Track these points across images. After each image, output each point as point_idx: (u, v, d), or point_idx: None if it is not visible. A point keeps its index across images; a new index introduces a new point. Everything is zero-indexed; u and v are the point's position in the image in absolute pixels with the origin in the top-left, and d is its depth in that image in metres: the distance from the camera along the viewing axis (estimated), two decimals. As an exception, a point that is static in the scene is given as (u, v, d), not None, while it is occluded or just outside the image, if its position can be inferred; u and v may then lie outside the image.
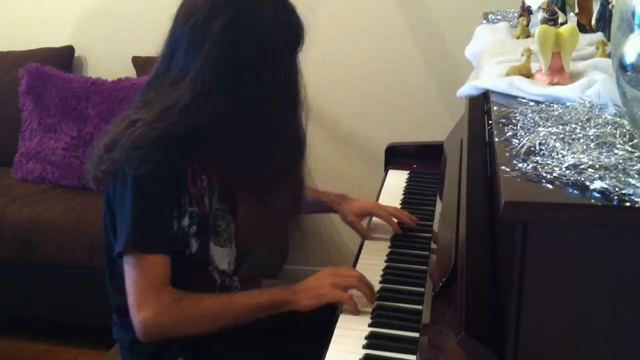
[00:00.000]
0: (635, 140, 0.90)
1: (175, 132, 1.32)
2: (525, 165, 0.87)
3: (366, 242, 1.72)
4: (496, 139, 1.00)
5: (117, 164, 1.32)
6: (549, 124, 1.00)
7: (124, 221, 1.32)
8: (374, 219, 1.81)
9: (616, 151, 0.87)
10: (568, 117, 1.01)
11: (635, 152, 0.86)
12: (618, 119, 0.98)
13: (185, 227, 1.41)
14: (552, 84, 1.21)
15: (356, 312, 1.37)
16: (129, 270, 1.33)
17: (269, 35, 1.37)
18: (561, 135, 0.94)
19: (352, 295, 1.40)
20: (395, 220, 1.74)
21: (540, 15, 1.38)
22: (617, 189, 0.78)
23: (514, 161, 0.89)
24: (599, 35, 1.48)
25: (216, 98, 1.33)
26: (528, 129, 1.00)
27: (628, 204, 0.76)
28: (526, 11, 1.76)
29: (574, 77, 1.23)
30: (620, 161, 0.84)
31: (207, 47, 1.33)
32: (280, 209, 1.51)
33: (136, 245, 1.32)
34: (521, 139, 0.95)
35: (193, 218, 1.42)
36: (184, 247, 1.42)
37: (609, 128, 0.95)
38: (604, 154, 0.86)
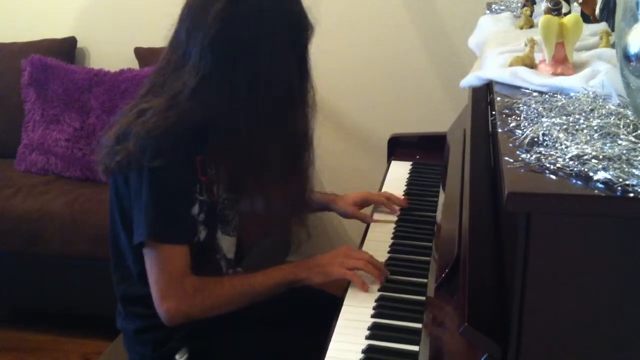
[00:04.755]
0: (639, 131, 0.89)
1: (187, 121, 1.32)
2: (528, 156, 0.87)
3: (368, 233, 1.73)
4: (499, 130, 1.00)
5: (131, 155, 1.32)
6: (553, 114, 0.99)
7: (141, 212, 1.33)
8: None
9: (620, 142, 0.87)
10: (572, 107, 1.01)
11: (639, 143, 0.86)
12: (622, 110, 0.97)
13: (195, 215, 1.42)
14: (555, 74, 1.20)
15: (364, 287, 1.40)
16: (151, 262, 1.35)
17: (267, 23, 1.35)
18: (565, 126, 0.94)
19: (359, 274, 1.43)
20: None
21: (543, 5, 1.38)
22: (620, 180, 0.77)
23: (518, 152, 0.89)
24: (602, 26, 1.48)
25: (219, 82, 1.33)
26: (531, 120, 0.99)
27: (632, 194, 0.75)
28: (530, 1, 1.75)
29: (578, 67, 1.22)
30: (624, 152, 0.84)
31: (205, 29, 1.32)
32: (283, 203, 1.50)
33: (156, 236, 1.33)
34: (524, 130, 0.95)
35: (202, 206, 1.42)
36: (193, 235, 1.43)
37: (612, 118, 0.94)
38: (608, 145, 0.86)
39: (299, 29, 1.41)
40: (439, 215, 1.67)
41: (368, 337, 1.28)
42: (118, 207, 1.42)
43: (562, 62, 1.22)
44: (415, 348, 1.24)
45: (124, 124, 1.36)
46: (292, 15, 1.39)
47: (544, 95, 1.11)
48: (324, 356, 1.25)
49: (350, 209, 1.80)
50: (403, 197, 1.86)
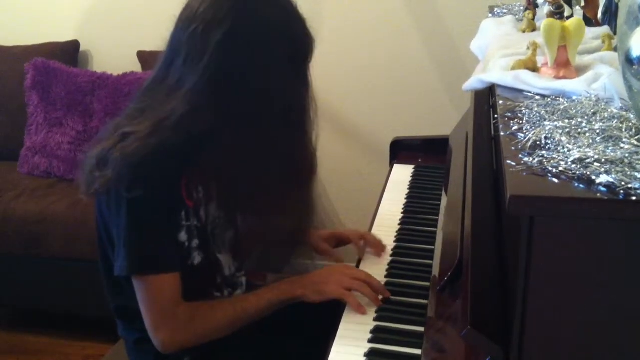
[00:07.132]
0: (642, 134, 0.90)
1: (169, 147, 1.26)
2: (531, 159, 0.87)
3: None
4: (502, 133, 1.00)
5: (110, 183, 1.27)
6: (555, 117, 0.99)
7: (121, 245, 1.29)
8: (382, 213, 1.81)
9: (622, 145, 0.87)
10: (574, 111, 1.01)
11: (642, 146, 0.86)
12: (624, 113, 0.97)
13: (185, 241, 1.37)
14: (558, 77, 1.20)
15: (358, 309, 1.37)
16: (140, 293, 1.33)
17: (271, 52, 1.29)
18: (567, 129, 0.94)
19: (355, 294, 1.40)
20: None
21: (546, 8, 1.38)
22: (623, 183, 0.77)
23: (520, 155, 0.89)
24: (605, 29, 1.48)
25: (212, 112, 1.27)
26: (534, 123, 0.99)
27: (634, 197, 0.75)
28: (532, 4, 1.76)
29: (580, 70, 1.22)
30: (627, 155, 0.84)
31: (206, 59, 1.26)
32: (281, 230, 1.46)
33: (138, 269, 1.31)
34: (527, 133, 0.95)
35: (192, 232, 1.38)
36: (186, 260, 1.38)
37: (615, 122, 0.94)
38: (610, 148, 0.86)
39: (303, 52, 1.35)
40: (441, 219, 1.67)
41: (370, 341, 1.28)
42: (104, 228, 1.37)
43: (564, 66, 1.22)
44: (418, 351, 1.23)
45: (105, 146, 1.30)
46: (296, 39, 1.33)
47: (546, 98, 1.11)
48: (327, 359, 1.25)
49: (321, 245, 1.68)
50: (382, 244, 1.64)
